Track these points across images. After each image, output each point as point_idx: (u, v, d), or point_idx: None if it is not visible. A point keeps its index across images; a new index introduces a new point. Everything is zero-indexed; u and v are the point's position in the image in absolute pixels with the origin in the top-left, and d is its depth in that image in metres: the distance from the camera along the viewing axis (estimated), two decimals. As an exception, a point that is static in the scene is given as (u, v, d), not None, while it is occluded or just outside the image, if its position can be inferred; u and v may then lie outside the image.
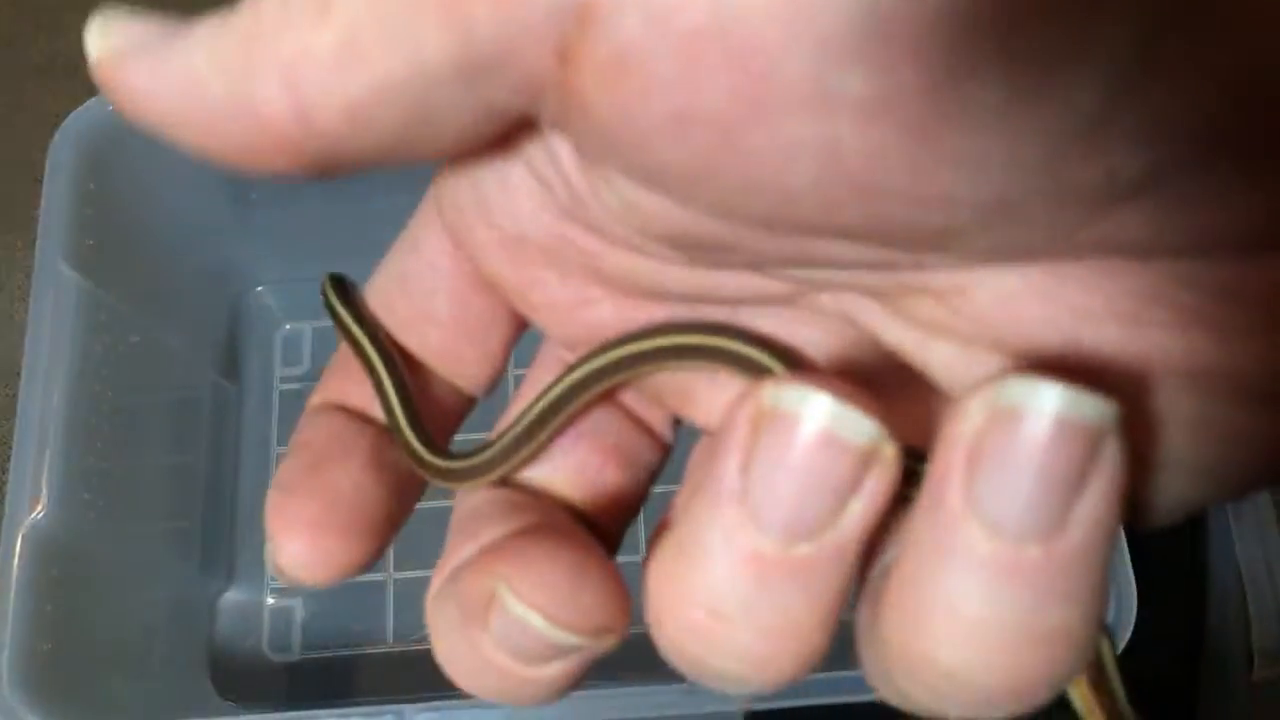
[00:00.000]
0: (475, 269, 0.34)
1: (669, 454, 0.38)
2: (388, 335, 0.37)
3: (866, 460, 0.24)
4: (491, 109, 0.25)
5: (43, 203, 0.85)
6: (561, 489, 0.35)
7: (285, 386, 1.07)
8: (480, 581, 0.30)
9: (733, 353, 0.31)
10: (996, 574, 0.22)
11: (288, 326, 1.09)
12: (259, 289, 1.09)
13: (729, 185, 0.24)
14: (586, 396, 0.34)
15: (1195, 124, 0.21)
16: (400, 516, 0.36)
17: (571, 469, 0.35)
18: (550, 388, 0.34)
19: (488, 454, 0.34)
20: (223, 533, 1.01)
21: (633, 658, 1.03)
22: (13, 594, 0.75)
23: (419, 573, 1.01)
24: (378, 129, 0.24)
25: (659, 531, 0.32)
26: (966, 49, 0.20)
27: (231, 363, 1.07)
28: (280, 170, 0.25)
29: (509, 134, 0.27)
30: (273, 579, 1.00)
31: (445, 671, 0.32)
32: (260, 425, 1.06)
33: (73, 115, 0.87)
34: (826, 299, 0.30)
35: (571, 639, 0.29)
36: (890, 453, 0.24)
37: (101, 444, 0.85)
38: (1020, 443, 0.22)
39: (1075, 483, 0.22)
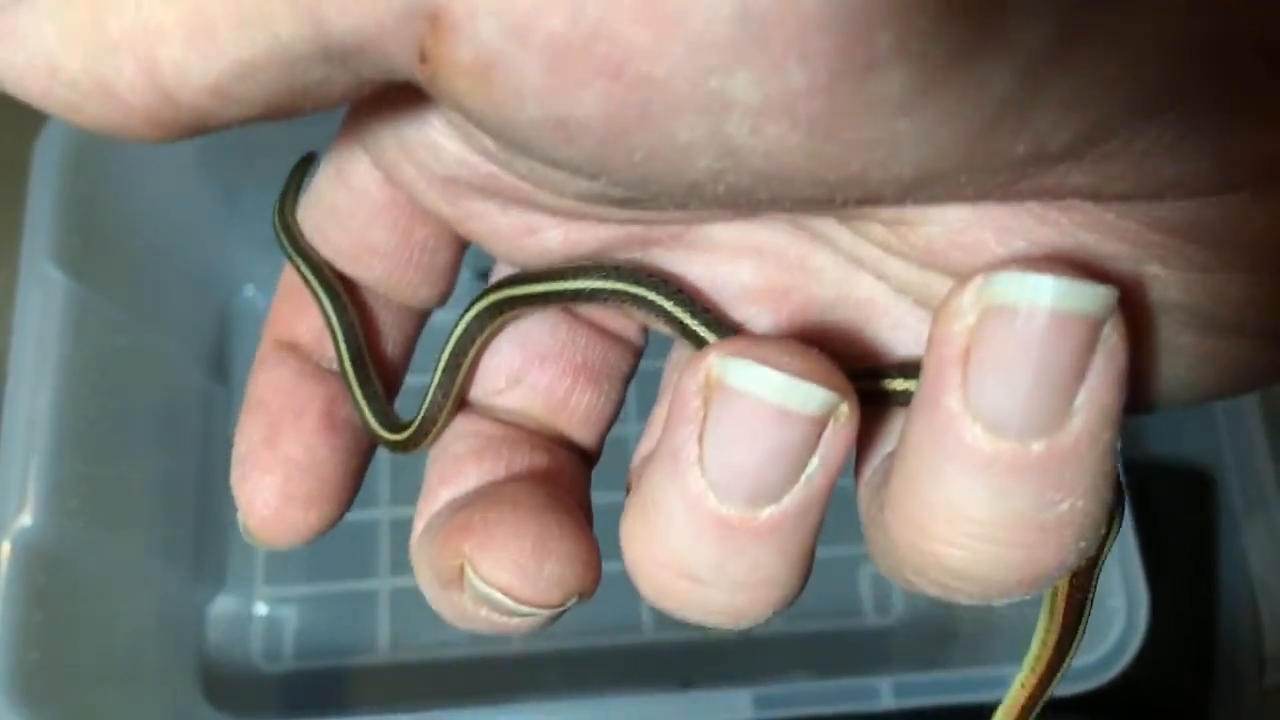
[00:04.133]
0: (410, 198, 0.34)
1: (641, 354, 0.38)
2: (334, 272, 0.36)
3: (821, 422, 0.24)
4: (370, 82, 0.23)
5: (28, 203, 0.83)
6: (536, 414, 0.36)
7: (276, 389, 1.06)
8: (447, 557, 0.31)
9: (649, 303, 0.32)
10: (1001, 473, 0.22)
11: (278, 328, 1.08)
12: (248, 290, 1.07)
13: (628, 178, 0.23)
14: (485, 335, 0.34)
15: (1130, 86, 0.20)
16: (360, 469, 0.37)
17: (542, 394, 0.35)
18: (451, 332, 0.35)
19: (419, 418, 0.36)
20: (213, 539, 0.99)
21: (633, 666, 1.01)
22: (0, 604, 0.74)
23: (414, 580, 0.99)
24: (249, 100, 0.23)
25: (632, 477, 0.33)
26: (860, 46, 0.19)
27: (220, 365, 1.06)
28: (155, 140, 0.24)
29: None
30: (265, 586, 0.99)
31: (437, 614, 0.33)
32: (251, 429, 1.04)
33: (59, 113, 0.86)
34: (781, 212, 0.30)
35: (537, 612, 0.30)
36: (846, 410, 0.24)
37: (89, 449, 0.84)
38: (1017, 339, 0.21)
39: (1076, 373, 0.22)
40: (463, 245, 0.36)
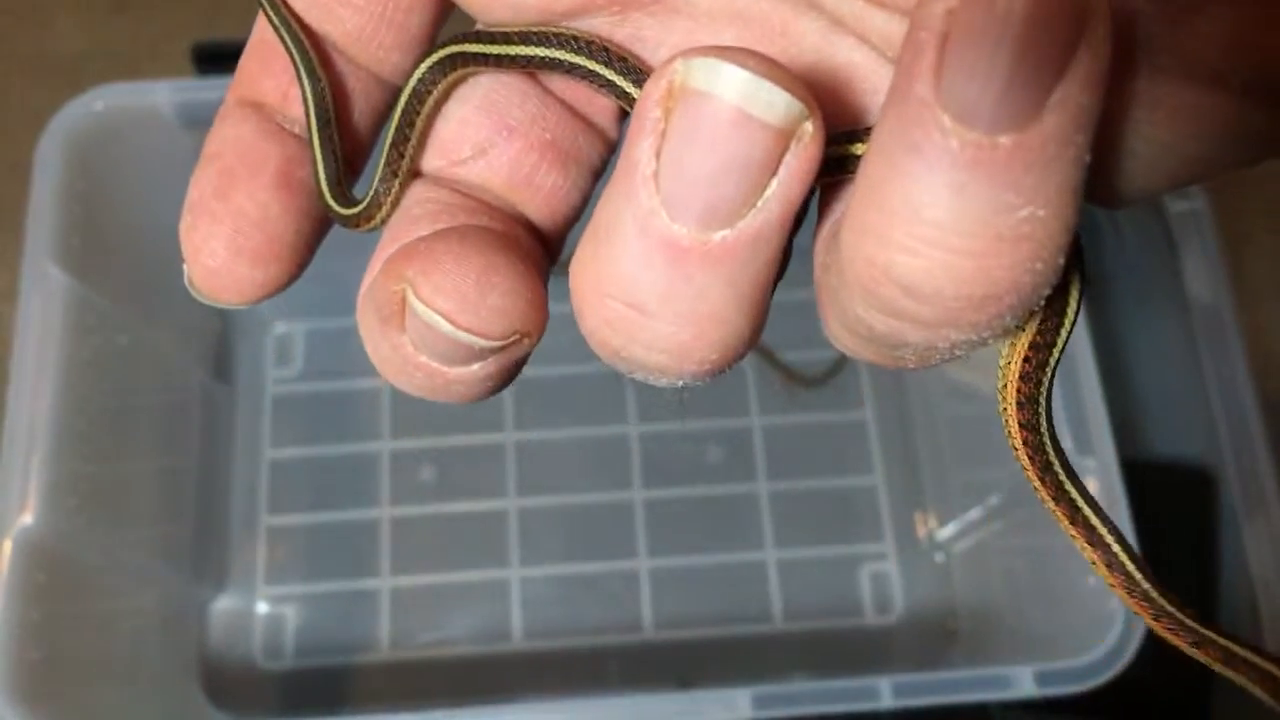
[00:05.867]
0: None
1: (614, 150, 0.36)
2: (307, 29, 0.35)
3: (783, 138, 0.23)
4: None
5: (30, 202, 0.83)
6: (497, 189, 0.35)
7: (277, 389, 1.06)
8: (389, 284, 0.30)
9: (600, 77, 0.31)
10: (964, 168, 0.21)
11: (279, 327, 1.08)
12: (250, 289, 1.07)
13: None
14: (434, 98, 0.34)
15: None
16: (313, 236, 0.35)
17: (506, 168, 0.35)
18: (399, 95, 0.34)
19: (369, 193, 0.35)
20: (214, 538, 1.00)
21: (634, 666, 1.01)
22: (1, 601, 0.74)
23: (415, 579, 1.00)
24: None
25: None
26: None
27: (222, 364, 1.06)
28: None
29: None
30: (265, 585, 0.99)
31: (378, 371, 0.32)
32: (252, 428, 1.05)
33: (60, 113, 0.86)
34: None
35: (479, 342, 0.29)
36: (811, 129, 0.23)
37: (90, 448, 0.84)
38: (1000, 17, 0.20)
39: (1058, 62, 0.20)
40: (439, 15, 0.36)
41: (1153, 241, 0.99)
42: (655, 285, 0.25)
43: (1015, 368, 0.29)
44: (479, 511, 1.02)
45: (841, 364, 1.07)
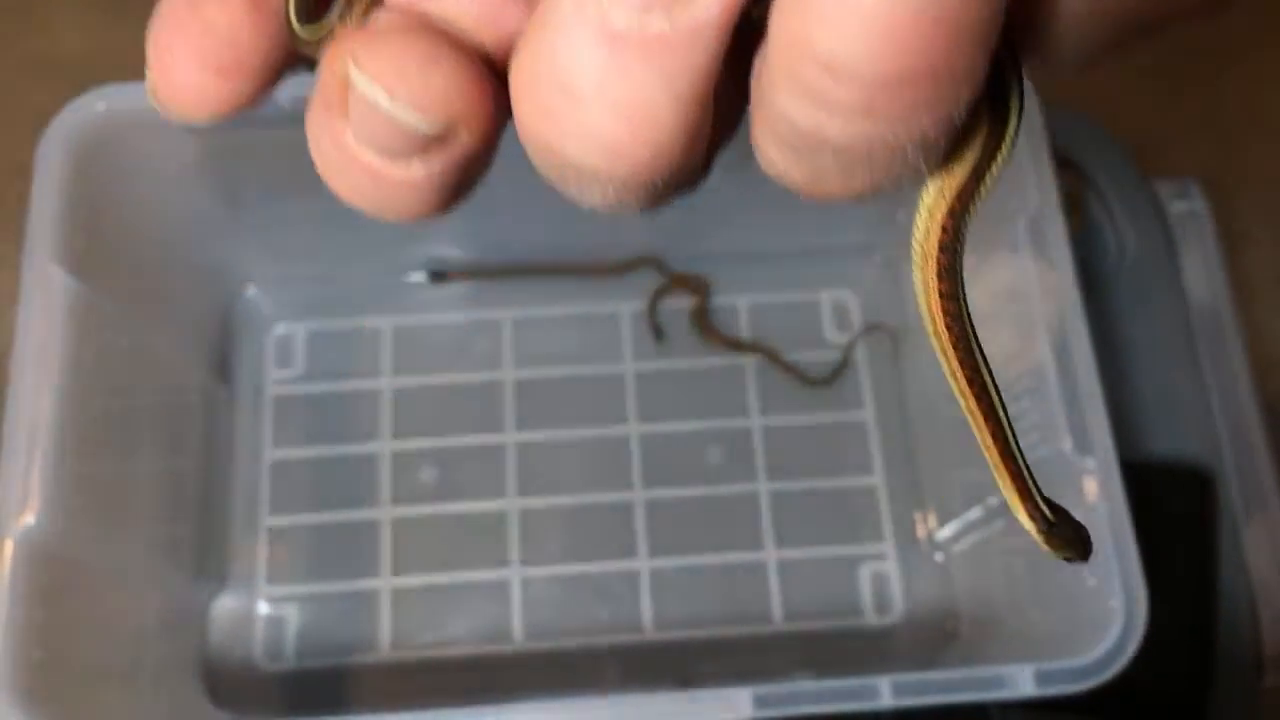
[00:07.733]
0: None
1: None
2: None
3: None
4: None
5: (32, 203, 0.83)
6: (466, 25, 0.34)
7: (278, 389, 1.06)
8: (335, 63, 0.30)
9: None
10: None
11: (280, 328, 1.08)
12: (250, 290, 1.08)
13: None
14: None
15: None
16: (279, 65, 0.35)
17: (475, 5, 0.34)
18: None
19: (333, 13, 0.34)
20: (215, 539, 1.00)
21: (633, 666, 1.02)
22: (3, 602, 0.74)
23: (416, 579, 1.01)
24: None
25: None
26: None
27: (223, 365, 1.06)
28: None
29: None
30: (267, 585, 1.00)
31: (324, 181, 0.31)
32: (252, 428, 1.05)
33: (61, 114, 0.86)
34: None
35: (420, 121, 0.29)
36: None
37: (92, 448, 0.84)
38: None
39: None
40: None
41: (1153, 241, 1.00)
42: (591, 70, 0.25)
43: (934, 238, 0.29)
44: (479, 512, 1.02)
45: (843, 364, 1.07)
